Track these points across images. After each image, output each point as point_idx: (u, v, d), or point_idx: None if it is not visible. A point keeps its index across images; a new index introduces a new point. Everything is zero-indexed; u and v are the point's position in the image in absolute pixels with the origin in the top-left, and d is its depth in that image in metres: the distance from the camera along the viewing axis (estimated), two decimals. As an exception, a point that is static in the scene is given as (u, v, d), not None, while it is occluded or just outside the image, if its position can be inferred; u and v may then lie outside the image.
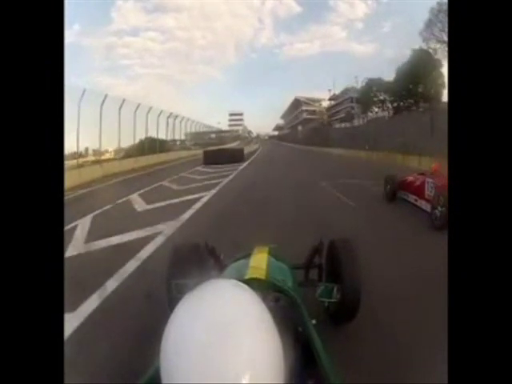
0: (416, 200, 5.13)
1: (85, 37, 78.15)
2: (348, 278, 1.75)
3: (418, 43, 23.92)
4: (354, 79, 34.52)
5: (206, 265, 1.95)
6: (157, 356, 0.47)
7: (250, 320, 0.46)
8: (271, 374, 0.44)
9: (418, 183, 5.18)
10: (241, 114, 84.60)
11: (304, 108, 53.32)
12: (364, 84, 33.66)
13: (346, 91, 36.93)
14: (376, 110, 35.46)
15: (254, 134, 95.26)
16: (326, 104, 50.40)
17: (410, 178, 5.56)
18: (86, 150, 18.32)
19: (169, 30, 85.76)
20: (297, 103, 55.26)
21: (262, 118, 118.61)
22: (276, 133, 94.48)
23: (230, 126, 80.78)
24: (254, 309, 0.49)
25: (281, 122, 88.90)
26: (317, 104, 52.39)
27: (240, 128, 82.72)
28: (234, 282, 0.56)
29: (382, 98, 34.46)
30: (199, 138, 54.13)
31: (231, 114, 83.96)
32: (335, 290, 1.71)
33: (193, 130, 48.71)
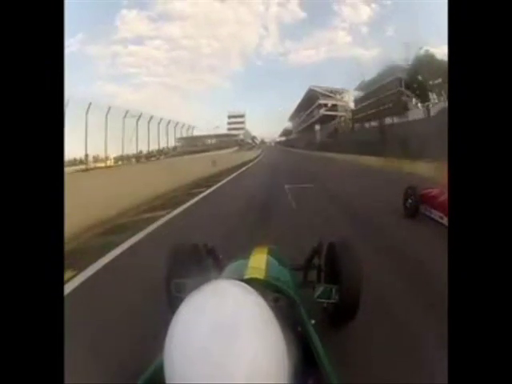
0: (441, 218, 4.18)
1: (89, 46, 77.40)
2: (347, 279, 1.74)
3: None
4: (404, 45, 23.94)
5: (205, 265, 1.98)
6: (158, 354, 0.49)
7: (254, 320, 0.48)
8: (276, 374, 0.46)
9: (443, 198, 4.21)
10: (242, 116, 74.55)
11: (322, 101, 42.48)
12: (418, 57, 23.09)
13: (389, 71, 25.97)
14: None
15: (259, 140, 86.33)
16: (349, 97, 39.93)
17: (435, 191, 4.62)
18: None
19: (174, 38, 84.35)
20: (312, 96, 44.61)
21: (269, 124, 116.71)
22: (284, 138, 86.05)
23: (230, 129, 70.85)
24: (258, 309, 0.51)
25: (289, 125, 79.19)
26: (338, 96, 41.72)
27: (241, 132, 72.56)
28: (238, 282, 0.57)
29: (438, 81, 23.32)
30: (193, 144, 46.10)
31: (231, 116, 74.11)
32: (334, 291, 1.67)
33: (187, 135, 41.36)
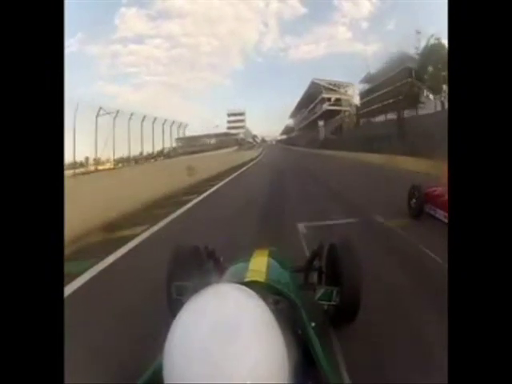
0: (446, 217, 4.10)
1: (89, 45, 77.62)
2: (347, 281, 1.74)
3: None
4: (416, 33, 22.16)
5: (206, 267, 1.97)
6: (158, 356, 0.49)
7: (254, 323, 0.48)
8: (276, 376, 0.46)
9: (447, 197, 3.61)
10: (242, 114, 72.97)
11: (325, 95, 40.32)
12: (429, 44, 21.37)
13: (397, 61, 24.25)
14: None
15: (259, 138, 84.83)
16: (353, 91, 38.23)
17: (439, 190, 4.50)
18: None
19: (173, 36, 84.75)
20: (314, 90, 42.32)
21: (270, 122, 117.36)
22: (285, 136, 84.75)
23: (229, 128, 69.31)
24: (259, 312, 0.51)
25: (290, 122, 77.50)
26: (342, 90, 39.88)
27: (241, 131, 71.05)
28: (238, 285, 0.58)
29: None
30: (191, 144, 44.71)
31: (230, 114, 72.56)
32: (335, 293, 1.71)
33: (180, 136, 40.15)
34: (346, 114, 36.41)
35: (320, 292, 1.69)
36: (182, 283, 1.58)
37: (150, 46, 77.90)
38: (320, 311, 1.73)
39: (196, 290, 0.54)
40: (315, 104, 44.09)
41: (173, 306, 1.60)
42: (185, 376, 0.43)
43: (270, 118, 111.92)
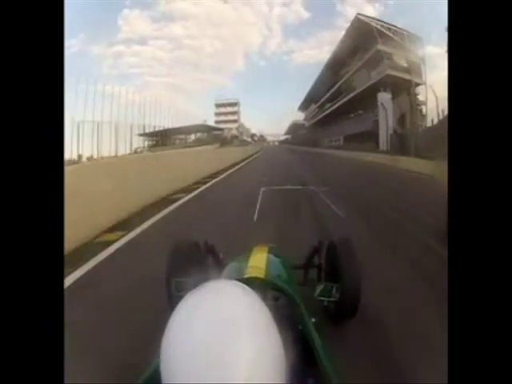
0: None
1: (92, 46, 75.08)
2: (347, 277, 1.82)
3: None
4: None
5: (206, 263, 2.05)
6: (156, 355, 0.49)
7: (251, 320, 0.48)
8: (273, 374, 0.46)
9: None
10: (235, 105, 56.00)
11: (382, 48, 21.21)
12: None
13: None
14: None
15: (258, 137, 68.99)
16: (422, 49, 21.19)
17: None
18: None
19: (176, 38, 79.64)
20: (359, 33, 22.25)
21: (273, 124, 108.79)
22: (289, 136, 69.43)
23: (218, 122, 52.62)
24: (256, 309, 0.51)
25: (299, 118, 61.07)
26: (407, 44, 21.01)
27: (234, 126, 54.34)
28: (236, 282, 0.58)
29: None
30: (169, 140, 37.28)
31: (219, 105, 55.64)
32: (334, 289, 1.76)
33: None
34: (416, 90, 19.32)
35: (319, 288, 1.75)
36: (182, 279, 1.65)
37: (153, 47, 73.72)
38: (320, 307, 1.81)
39: (195, 286, 0.54)
40: (366, 61, 23.44)
41: (173, 302, 1.55)
42: (180, 373, 0.43)
43: (271, 120, 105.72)
